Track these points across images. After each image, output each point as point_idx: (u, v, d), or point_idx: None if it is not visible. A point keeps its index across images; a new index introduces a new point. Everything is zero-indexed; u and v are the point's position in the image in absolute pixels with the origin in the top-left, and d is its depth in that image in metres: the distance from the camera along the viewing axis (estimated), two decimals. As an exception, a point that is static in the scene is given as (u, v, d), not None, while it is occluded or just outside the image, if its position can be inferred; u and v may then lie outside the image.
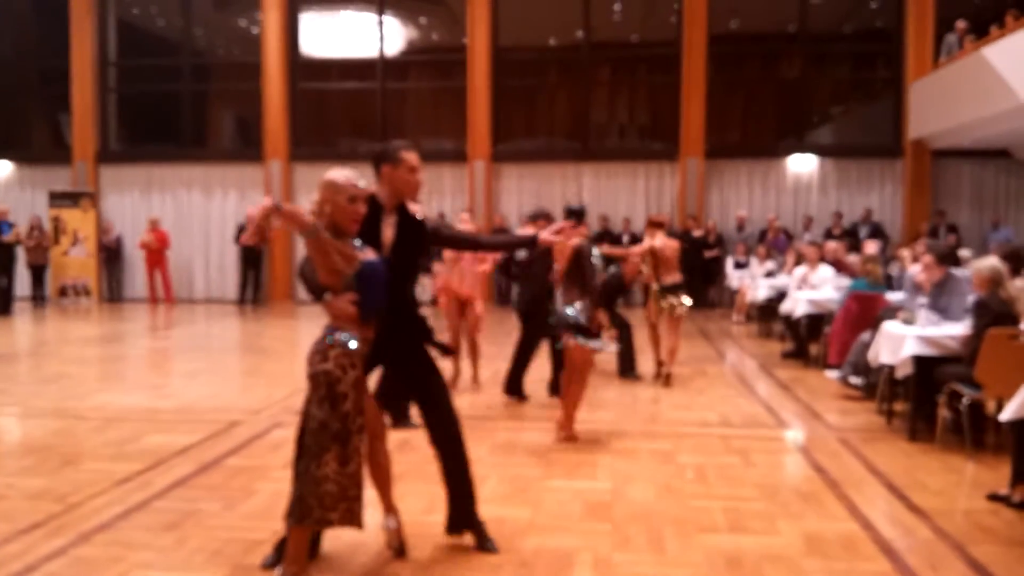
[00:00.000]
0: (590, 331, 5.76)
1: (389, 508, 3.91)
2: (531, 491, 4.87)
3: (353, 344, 3.49)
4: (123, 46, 18.00)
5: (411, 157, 3.80)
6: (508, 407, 7.18)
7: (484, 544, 3.98)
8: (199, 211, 17.36)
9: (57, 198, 17.03)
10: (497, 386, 7.65)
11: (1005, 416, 4.59)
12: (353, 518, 3.50)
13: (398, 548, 3.91)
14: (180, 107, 17.60)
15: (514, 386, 7.35)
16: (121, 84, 18.10)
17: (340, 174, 3.53)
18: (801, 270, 10.17)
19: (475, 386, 7.92)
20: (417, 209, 3.92)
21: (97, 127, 17.42)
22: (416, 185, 3.83)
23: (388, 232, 3.78)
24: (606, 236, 15.08)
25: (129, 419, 6.71)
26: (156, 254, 16.01)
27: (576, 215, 5.85)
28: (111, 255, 17.00)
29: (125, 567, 3.81)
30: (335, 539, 4.01)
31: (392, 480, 3.90)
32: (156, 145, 18.23)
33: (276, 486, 4.89)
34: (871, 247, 10.25)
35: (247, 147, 17.88)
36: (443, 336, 6.37)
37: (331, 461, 3.44)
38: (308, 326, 13.09)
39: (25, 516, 4.44)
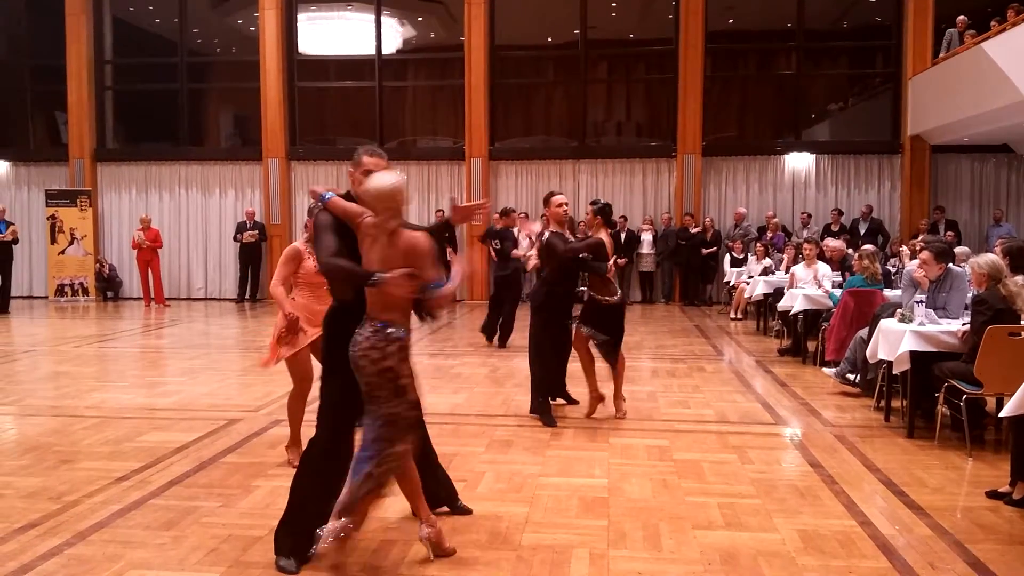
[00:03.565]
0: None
1: (424, 517, 3.90)
2: (528, 487, 4.86)
3: (405, 335, 3.57)
4: (119, 44, 18.00)
5: (370, 161, 3.79)
6: (504, 404, 7.17)
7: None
8: (197, 210, 17.35)
9: (54, 197, 17.00)
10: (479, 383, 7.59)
11: (1005, 413, 4.58)
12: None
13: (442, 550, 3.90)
14: (177, 106, 17.58)
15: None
16: (118, 82, 18.08)
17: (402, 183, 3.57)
18: (798, 267, 10.17)
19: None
20: None
21: (94, 125, 17.40)
22: None
23: None
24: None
25: (126, 417, 6.70)
26: (149, 253, 15.92)
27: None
28: (105, 281, 17.06)
29: (122, 566, 3.79)
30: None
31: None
32: (153, 143, 18.22)
33: (274, 483, 4.88)
34: (868, 244, 10.26)
35: (245, 146, 17.88)
36: None
37: (403, 445, 3.60)
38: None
39: (21, 515, 4.43)
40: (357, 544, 3.88)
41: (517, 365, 8.98)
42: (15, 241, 15.06)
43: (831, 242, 11.66)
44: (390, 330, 3.50)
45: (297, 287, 5.18)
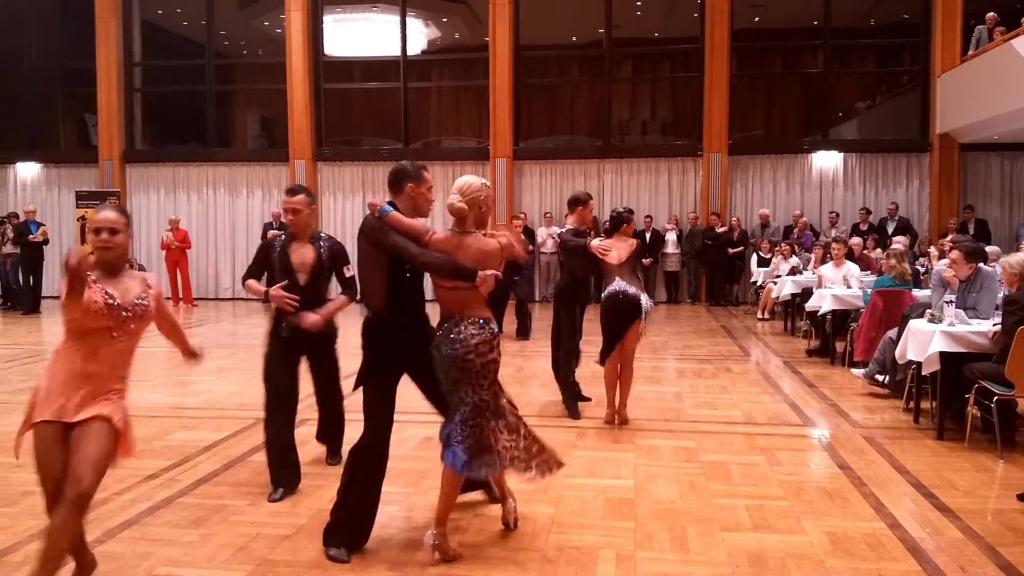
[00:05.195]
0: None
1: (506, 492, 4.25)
2: (553, 488, 4.85)
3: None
4: (148, 47, 18.24)
5: (430, 177, 4.07)
6: (529, 404, 7.16)
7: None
8: (225, 210, 17.52)
9: (84, 198, 17.23)
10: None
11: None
12: (549, 467, 4.08)
13: (512, 523, 4.21)
14: (205, 107, 17.76)
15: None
16: (146, 84, 18.31)
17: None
18: (827, 266, 10.08)
19: None
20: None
21: (123, 127, 17.63)
22: (432, 202, 4.07)
23: None
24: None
25: (155, 416, 6.77)
26: (177, 253, 16.13)
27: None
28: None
29: (152, 563, 3.84)
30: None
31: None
32: (182, 145, 18.44)
33: (302, 482, 4.91)
34: (897, 243, 10.15)
35: (272, 147, 18.04)
36: None
37: (501, 430, 3.83)
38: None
39: (54, 512, 4.48)
40: (384, 543, 3.89)
41: (542, 365, 8.96)
42: (45, 242, 15.28)
43: (856, 240, 11.56)
44: (492, 325, 3.81)
45: (66, 336, 3.41)
